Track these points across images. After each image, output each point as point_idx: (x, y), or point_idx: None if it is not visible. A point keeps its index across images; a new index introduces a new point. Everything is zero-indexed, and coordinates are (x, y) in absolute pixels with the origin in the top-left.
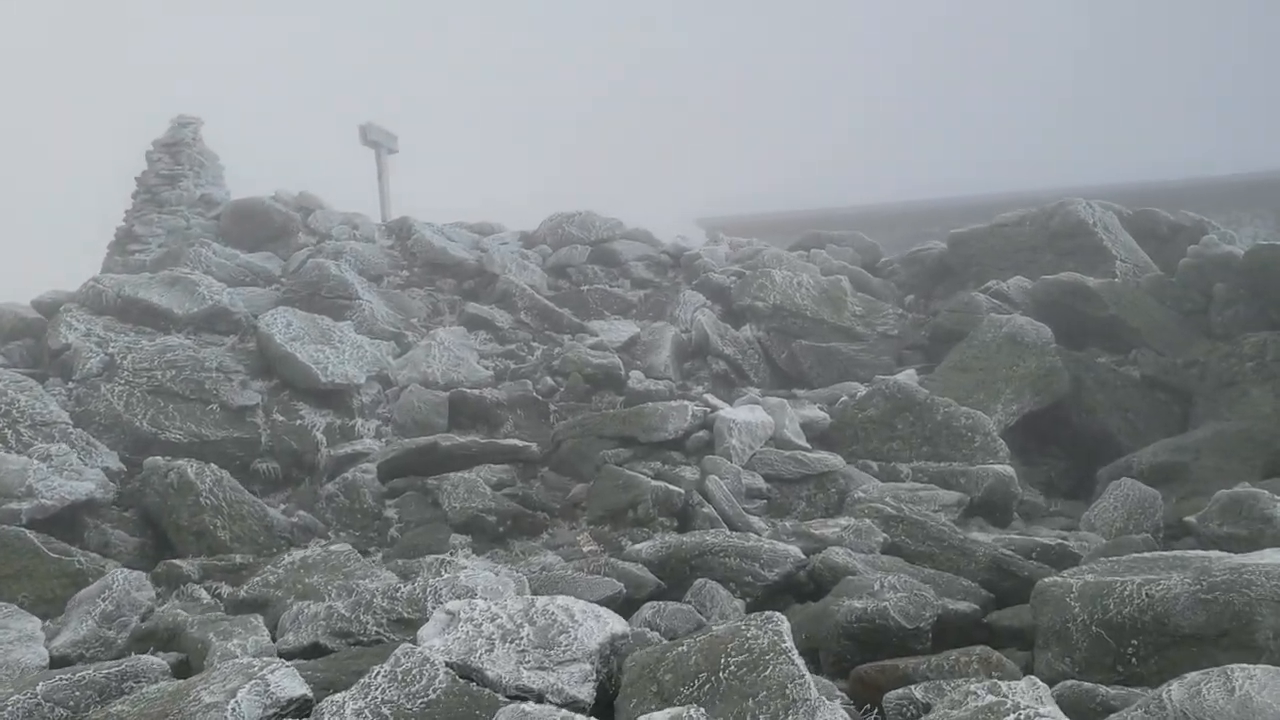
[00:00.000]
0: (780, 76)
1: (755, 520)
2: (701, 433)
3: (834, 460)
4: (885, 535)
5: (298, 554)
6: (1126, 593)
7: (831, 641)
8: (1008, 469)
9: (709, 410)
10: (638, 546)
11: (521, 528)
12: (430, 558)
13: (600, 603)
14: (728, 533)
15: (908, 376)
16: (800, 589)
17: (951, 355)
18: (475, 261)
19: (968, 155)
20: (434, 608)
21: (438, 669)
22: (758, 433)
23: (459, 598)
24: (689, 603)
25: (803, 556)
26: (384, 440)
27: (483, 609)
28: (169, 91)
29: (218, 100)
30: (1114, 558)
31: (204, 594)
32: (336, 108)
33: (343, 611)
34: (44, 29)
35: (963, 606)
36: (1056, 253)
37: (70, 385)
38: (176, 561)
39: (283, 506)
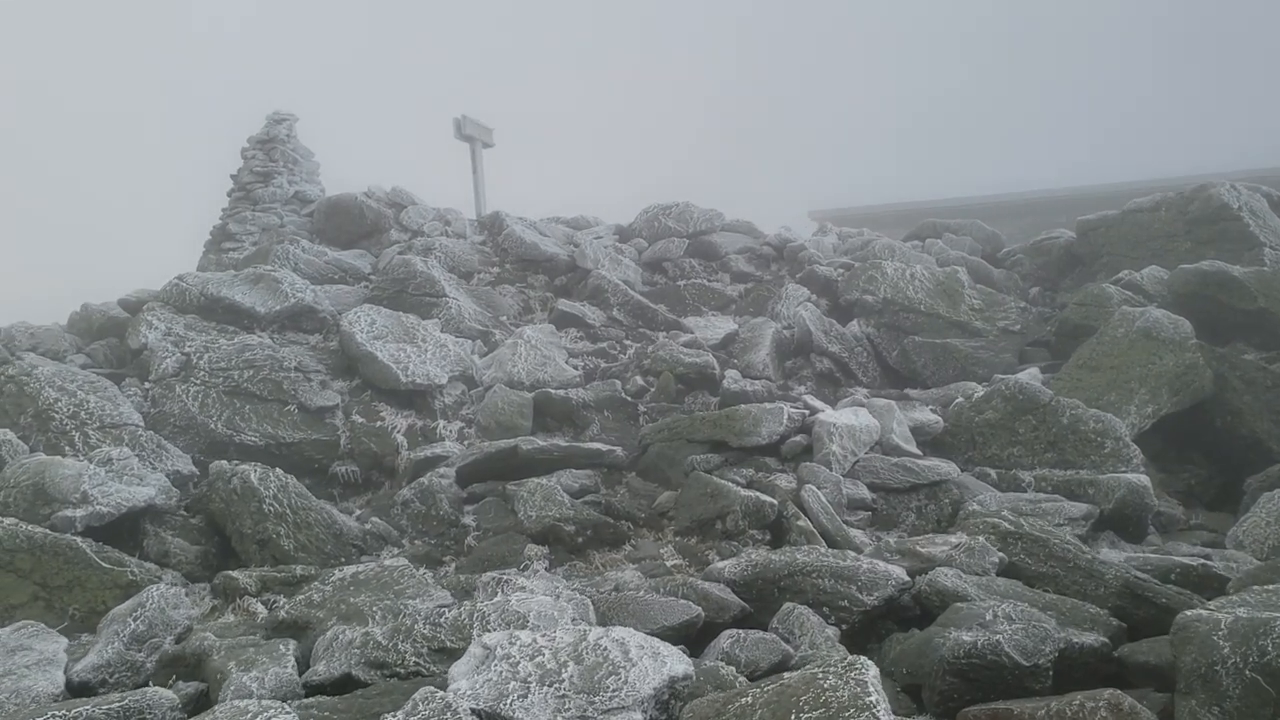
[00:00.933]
0: (896, 68)
1: (857, 535)
2: (799, 437)
3: (947, 468)
4: (1002, 554)
5: (349, 569)
6: None
7: (936, 678)
8: (1142, 478)
9: (808, 413)
10: (721, 565)
11: (603, 538)
12: (488, 575)
13: (676, 629)
14: (823, 550)
15: (1030, 375)
16: (903, 614)
17: (1080, 352)
18: (567, 257)
19: (1096, 141)
20: (480, 635)
21: (460, 718)
22: (861, 438)
23: (509, 625)
24: (775, 630)
25: (906, 578)
26: (466, 443)
27: (524, 643)
28: (268, 85)
29: (314, 95)
30: (1269, 586)
31: (261, 608)
32: (435, 102)
33: (379, 639)
34: (146, 31)
35: (1089, 639)
36: (1196, 240)
37: (146, 386)
38: (233, 573)
39: (358, 513)
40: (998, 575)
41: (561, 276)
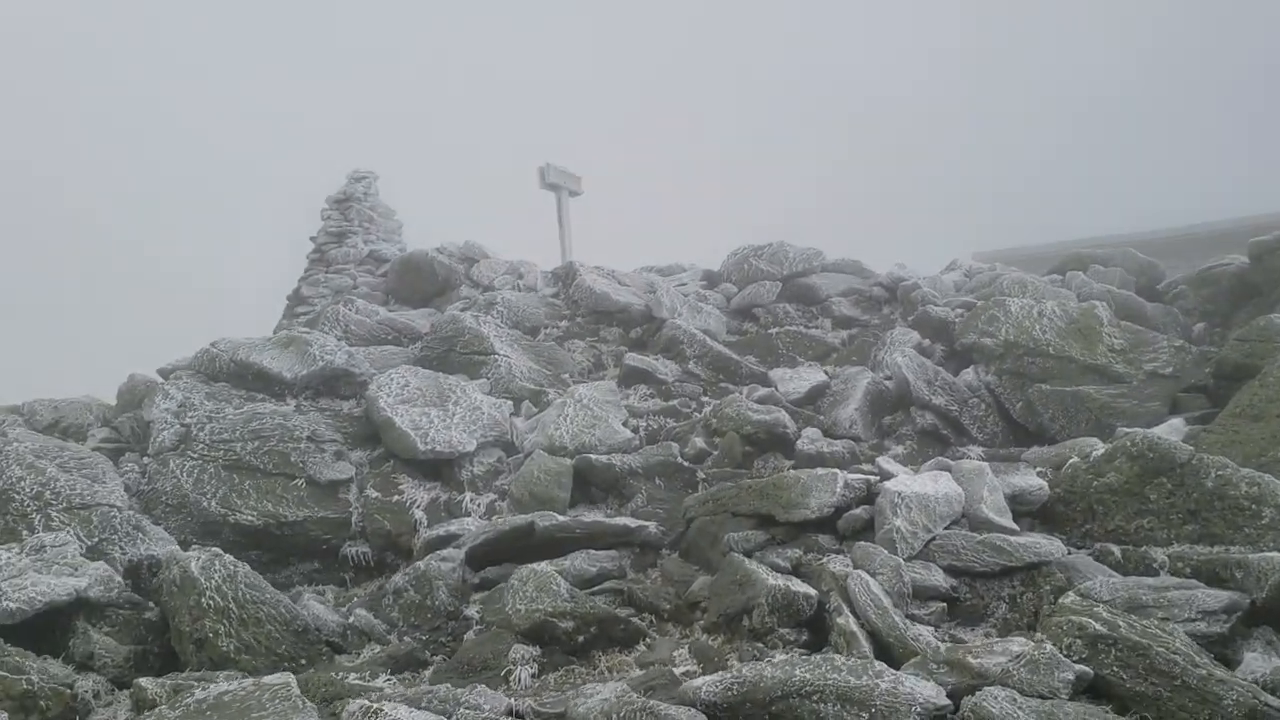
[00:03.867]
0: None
1: (924, 634)
2: (860, 510)
3: (1048, 546)
4: (1084, 667)
5: (216, 689)
6: None
7: None
8: None
9: (875, 479)
10: (698, 683)
11: (612, 636)
12: (356, 705)
13: None
14: (839, 663)
15: (1171, 428)
16: None
17: (1238, 398)
18: (643, 307)
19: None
20: None
21: None
22: (938, 510)
23: None
24: None
25: (940, 703)
26: (496, 518)
27: None
28: (361, 144)
29: (405, 153)
30: None
31: None
32: (540, 152)
33: None
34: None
35: None
36: None
37: (146, 460)
38: (143, 682)
39: (353, 602)
40: (1077, 695)
41: (637, 329)
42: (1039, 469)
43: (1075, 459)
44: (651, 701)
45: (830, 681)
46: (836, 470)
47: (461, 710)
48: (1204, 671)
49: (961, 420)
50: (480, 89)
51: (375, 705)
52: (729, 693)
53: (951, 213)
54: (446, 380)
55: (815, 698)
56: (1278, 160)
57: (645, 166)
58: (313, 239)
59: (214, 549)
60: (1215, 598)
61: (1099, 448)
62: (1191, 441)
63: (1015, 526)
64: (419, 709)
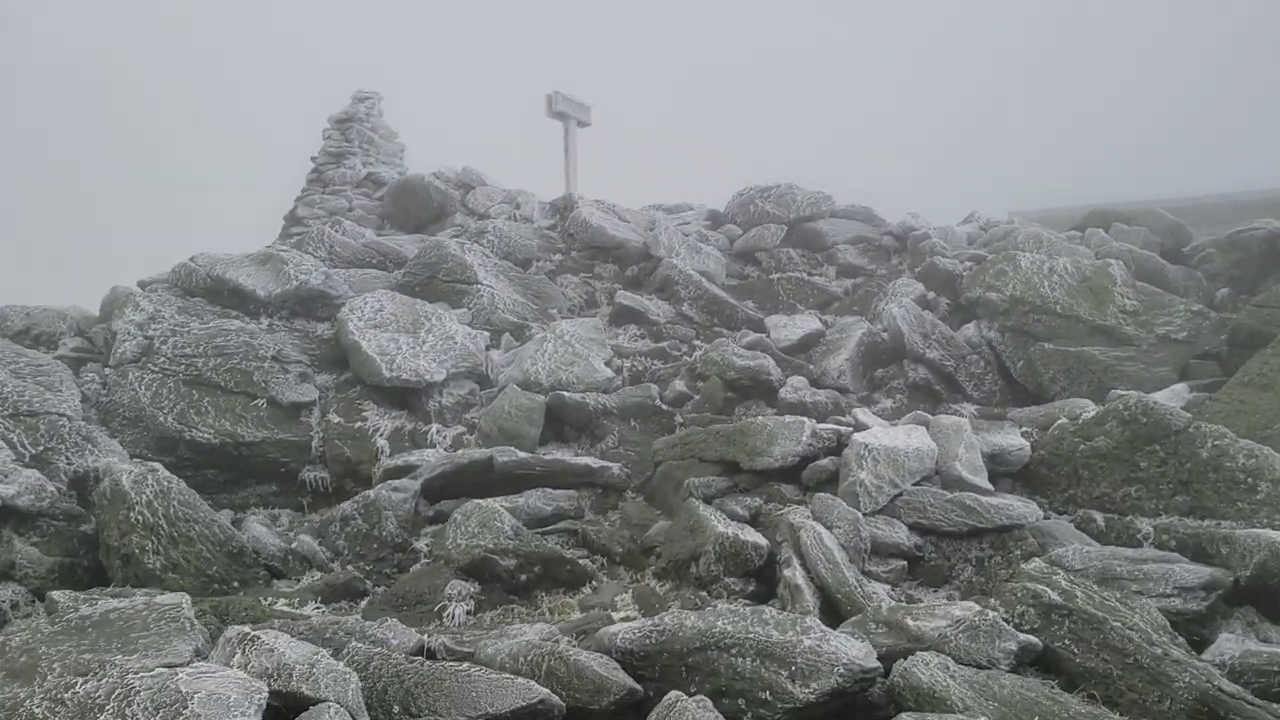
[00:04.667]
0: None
1: (879, 592)
2: (827, 461)
3: (1022, 509)
4: (1031, 637)
5: (105, 605)
6: None
7: None
8: None
9: (848, 430)
10: (614, 629)
11: (556, 577)
12: (234, 630)
13: None
14: (767, 617)
15: (1173, 394)
16: (874, 715)
17: (1247, 366)
18: (640, 244)
19: None
20: None
21: None
22: (907, 464)
23: (158, 710)
24: None
25: (868, 665)
26: (461, 451)
27: None
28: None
29: (416, 73)
30: None
31: None
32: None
33: None
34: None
35: None
36: None
37: (107, 371)
38: (55, 595)
39: (305, 526)
40: (1022, 666)
41: (633, 266)
42: (1024, 429)
43: (1063, 420)
44: (561, 648)
45: (752, 635)
46: (805, 419)
47: (354, 643)
48: (1159, 651)
49: (957, 376)
50: (498, 14)
51: (253, 633)
52: (646, 641)
53: (998, 167)
54: (424, 307)
55: (734, 651)
56: None
57: (666, 100)
58: (313, 159)
59: (151, 463)
60: (1195, 573)
61: (1090, 410)
62: (1194, 409)
63: (989, 486)
64: (300, 639)
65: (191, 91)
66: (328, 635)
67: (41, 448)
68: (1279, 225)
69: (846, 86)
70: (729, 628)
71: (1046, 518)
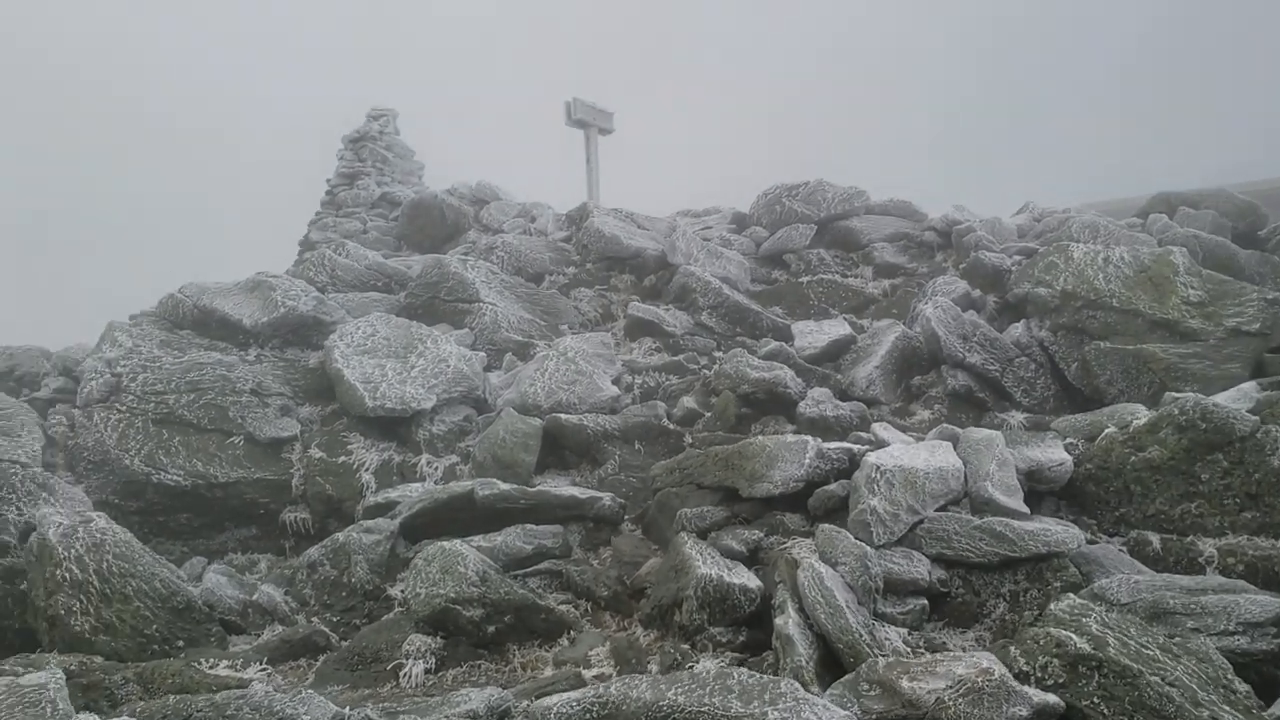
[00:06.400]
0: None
1: (893, 638)
2: (836, 485)
3: (1061, 534)
4: (1051, 697)
5: None
6: None
7: None
8: None
9: (861, 449)
10: (549, 702)
11: (531, 627)
12: None
13: None
14: (732, 682)
15: (1240, 394)
16: None
17: None
18: (657, 252)
19: None
20: None
21: None
22: (928, 487)
23: None
24: None
25: None
26: (450, 484)
27: None
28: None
29: (438, 88)
30: None
31: None
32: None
33: None
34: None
35: None
36: None
37: (74, 412)
38: None
39: (271, 575)
40: None
41: (651, 276)
42: (1068, 440)
43: (1111, 429)
44: None
45: (706, 709)
46: (808, 438)
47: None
48: (1207, 713)
49: (1003, 382)
50: (520, 25)
51: None
52: (586, 715)
53: (1061, 162)
54: (419, 330)
55: None
56: None
57: (698, 106)
58: (328, 180)
59: (88, 514)
60: (1263, 606)
61: (1141, 416)
62: (1264, 411)
63: (1025, 509)
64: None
65: (208, 112)
66: (228, 713)
67: None
68: None
69: (896, 81)
70: (681, 699)
71: (1093, 541)
